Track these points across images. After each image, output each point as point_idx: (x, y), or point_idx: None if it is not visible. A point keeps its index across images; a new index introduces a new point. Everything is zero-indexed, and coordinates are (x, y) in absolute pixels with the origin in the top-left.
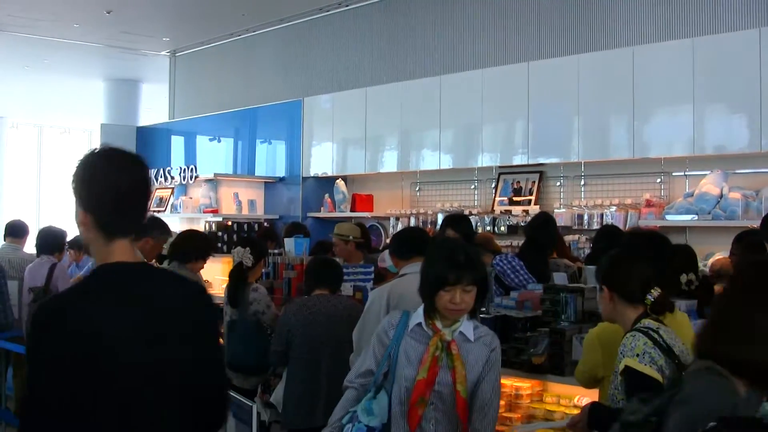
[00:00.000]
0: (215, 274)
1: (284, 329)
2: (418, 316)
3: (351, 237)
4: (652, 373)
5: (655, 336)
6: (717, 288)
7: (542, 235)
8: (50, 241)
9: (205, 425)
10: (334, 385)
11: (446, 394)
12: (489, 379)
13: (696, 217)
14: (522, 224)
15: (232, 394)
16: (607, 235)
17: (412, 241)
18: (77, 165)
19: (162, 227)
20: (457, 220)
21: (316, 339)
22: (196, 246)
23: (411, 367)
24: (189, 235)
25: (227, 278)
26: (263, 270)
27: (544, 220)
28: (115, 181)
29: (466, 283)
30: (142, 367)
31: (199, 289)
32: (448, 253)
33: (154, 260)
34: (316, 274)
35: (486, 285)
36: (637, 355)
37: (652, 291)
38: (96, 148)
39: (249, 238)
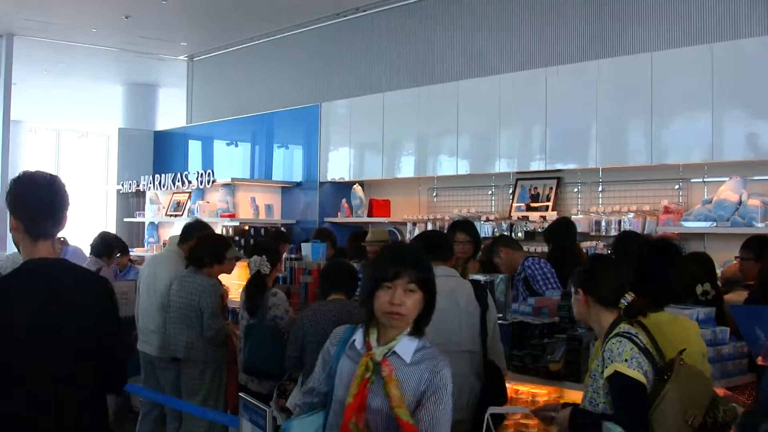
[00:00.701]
0: (231, 278)
1: (298, 334)
2: (360, 331)
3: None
4: (640, 378)
5: (638, 341)
6: (729, 296)
7: (564, 240)
8: (101, 245)
9: (103, 388)
10: None
11: (384, 420)
12: (428, 409)
13: (714, 224)
14: (539, 230)
15: (247, 398)
16: (626, 240)
17: (430, 245)
18: (10, 184)
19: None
20: (465, 224)
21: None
22: (209, 251)
23: (343, 389)
24: (201, 240)
25: (245, 286)
26: (279, 274)
27: (565, 225)
28: (38, 196)
29: (407, 280)
30: (42, 338)
31: (102, 282)
32: (394, 251)
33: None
34: (332, 279)
35: (433, 295)
36: (626, 360)
37: (626, 295)
38: (23, 172)
39: (263, 244)
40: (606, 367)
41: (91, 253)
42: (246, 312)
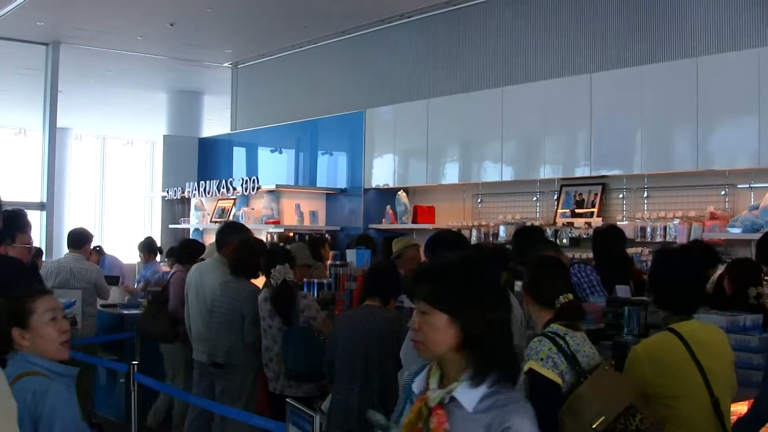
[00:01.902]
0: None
1: (332, 339)
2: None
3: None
4: (553, 377)
5: (560, 342)
6: None
7: (611, 247)
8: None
9: None
10: (365, 402)
11: None
12: None
13: (761, 230)
14: (584, 237)
15: (295, 404)
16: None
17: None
18: None
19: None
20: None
21: (354, 352)
22: (248, 262)
23: None
24: (237, 251)
25: (273, 296)
26: (324, 281)
27: (612, 232)
28: None
29: (418, 299)
30: None
31: None
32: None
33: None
34: (366, 284)
35: (481, 321)
36: (541, 359)
37: (561, 297)
38: None
39: (280, 252)
40: (525, 363)
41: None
42: (280, 320)
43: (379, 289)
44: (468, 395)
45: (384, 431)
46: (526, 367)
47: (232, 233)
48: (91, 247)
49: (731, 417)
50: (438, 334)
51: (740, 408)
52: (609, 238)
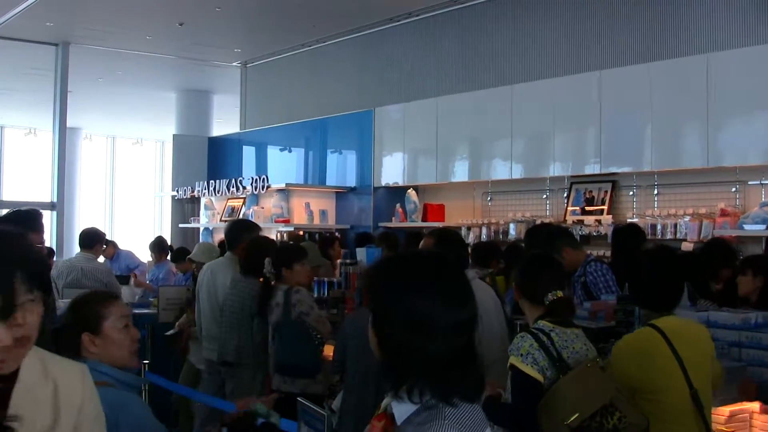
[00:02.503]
0: None
1: (341, 338)
2: None
3: None
4: (533, 373)
5: (544, 338)
6: None
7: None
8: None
9: None
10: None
11: None
12: None
13: None
14: (594, 234)
15: (304, 402)
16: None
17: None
18: None
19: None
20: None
21: (365, 350)
22: (256, 261)
23: None
24: (246, 250)
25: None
26: (334, 280)
27: (631, 230)
28: None
29: None
30: None
31: None
32: None
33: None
34: None
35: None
36: (521, 355)
37: (549, 295)
38: None
39: (293, 248)
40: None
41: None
42: (278, 310)
43: None
44: (399, 408)
45: (265, 419)
46: (509, 363)
47: (243, 231)
48: (106, 241)
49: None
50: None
51: (751, 406)
52: (628, 236)
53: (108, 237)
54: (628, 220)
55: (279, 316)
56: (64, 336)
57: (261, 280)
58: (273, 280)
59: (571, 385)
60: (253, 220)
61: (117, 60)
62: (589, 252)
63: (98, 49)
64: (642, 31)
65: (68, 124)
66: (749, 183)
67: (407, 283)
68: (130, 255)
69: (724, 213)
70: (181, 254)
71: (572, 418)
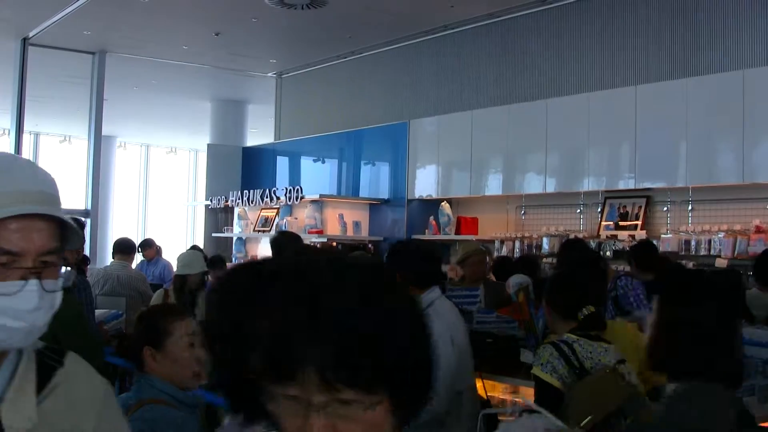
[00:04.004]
0: None
1: None
2: None
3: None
4: (551, 380)
5: (565, 348)
6: None
7: (646, 261)
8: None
9: None
10: None
11: None
12: None
13: None
14: (628, 249)
15: None
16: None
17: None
18: None
19: None
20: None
21: None
22: None
23: None
24: None
25: None
26: None
27: (647, 247)
28: None
29: None
30: None
31: None
32: None
33: None
34: None
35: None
36: (542, 364)
37: (584, 309)
38: None
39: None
40: None
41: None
42: None
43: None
44: None
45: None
46: (532, 374)
47: (289, 243)
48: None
49: None
50: None
51: None
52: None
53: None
54: (653, 236)
55: None
56: (129, 346)
57: None
58: None
59: (585, 390)
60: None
61: (152, 69)
62: (619, 267)
63: (134, 58)
64: (678, 46)
65: (103, 132)
66: None
67: None
68: (168, 266)
69: (758, 230)
70: (216, 262)
71: (585, 421)
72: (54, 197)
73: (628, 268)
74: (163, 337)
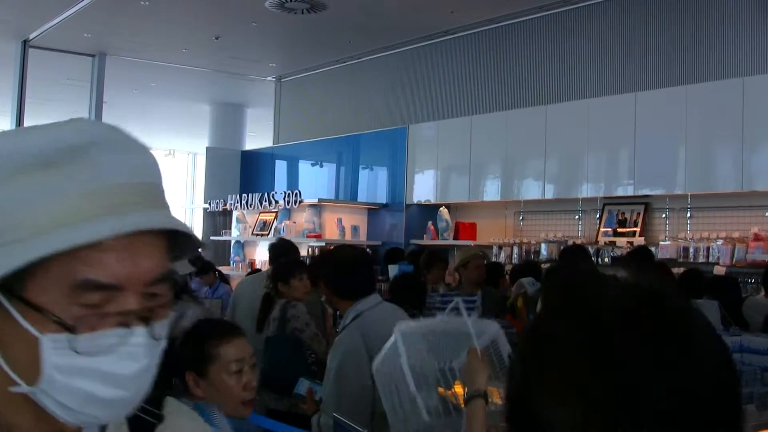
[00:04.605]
0: None
1: None
2: None
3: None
4: None
5: None
6: None
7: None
8: None
9: None
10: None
11: None
12: None
13: None
14: (624, 256)
15: (343, 420)
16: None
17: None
18: None
19: None
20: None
21: None
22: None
23: None
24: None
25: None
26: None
27: (643, 253)
28: None
29: None
30: None
31: None
32: None
33: None
34: (391, 295)
35: None
36: None
37: None
38: None
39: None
40: None
41: None
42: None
43: (401, 299)
44: None
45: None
46: None
47: (289, 250)
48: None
49: None
50: None
51: None
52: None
53: None
54: (652, 242)
55: (273, 331)
56: (174, 368)
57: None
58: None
59: None
60: (284, 234)
61: (152, 72)
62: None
63: (134, 61)
64: (677, 53)
65: None
66: None
67: None
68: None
69: (757, 237)
70: (206, 268)
71: None
72: (161, 188)
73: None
74: (207, 362)
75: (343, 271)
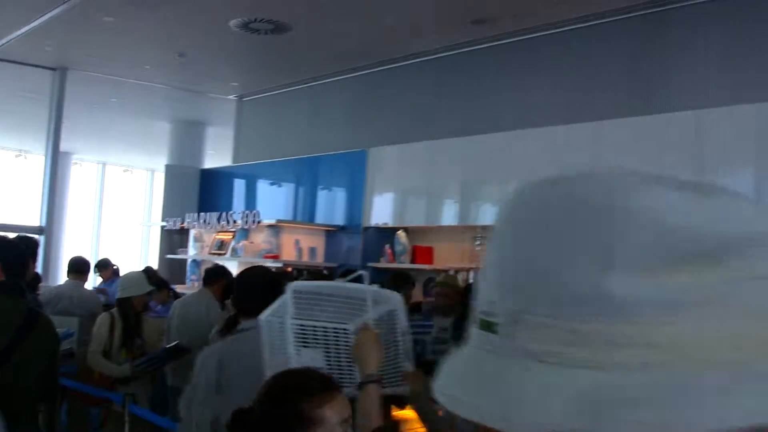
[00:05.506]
0: None
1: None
2: None
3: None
4: None
5: None
6: None
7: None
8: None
9: None
10: None
11: None
12: None
13: None
14: None
15: None
16: None
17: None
18: None
19: None
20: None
21: None
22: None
23: None
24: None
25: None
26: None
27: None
28: None
29: None
30: None
31: None
32: None
33: None
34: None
35: None
36: None
37: None
38: None
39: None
40: None
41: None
42: None
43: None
44: None
45: None
46: None
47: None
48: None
49: None
50: None
51: None
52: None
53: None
54: None
55: None
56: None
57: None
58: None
59: None
60: (242, 254)
61: (114, 87)
62: None
63: (96, 76)
64: (639, 84)
65: (60, 149)
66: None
67: None
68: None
69: None
70: (159, 285)
71: None
72: None
73: None
74: (314, 426)
75: (242, 290)
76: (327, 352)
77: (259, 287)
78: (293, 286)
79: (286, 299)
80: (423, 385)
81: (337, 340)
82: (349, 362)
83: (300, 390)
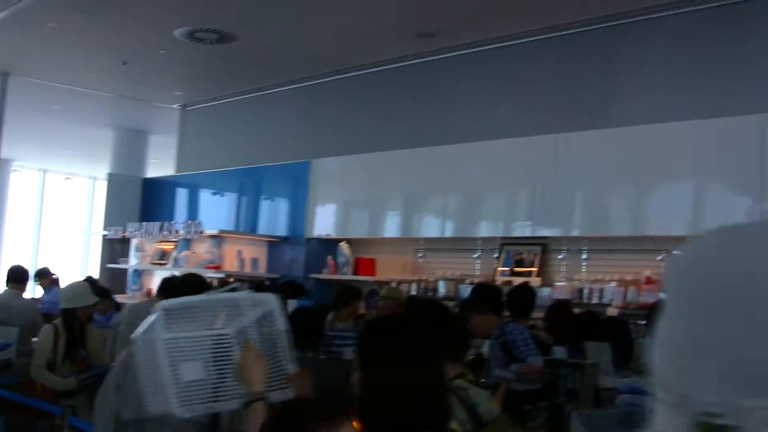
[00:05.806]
0: None
1: None
2: None
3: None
4: (456, 428)
5: (461, 394)
6: None
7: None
8: None
9: None
10: None
11: None
12: None
13: None
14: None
15: None
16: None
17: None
18: None
19: None
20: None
21: None
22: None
23: None
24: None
25: None
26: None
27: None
28: None
29: None
30: None
31: None
32: None
33: None
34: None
35: None
36: None
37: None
38: None
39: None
40: None
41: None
42: None
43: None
44: None
45: None
46: None
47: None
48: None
49: None
50: None
51: None
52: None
53: (34, 273)
54: (547, 283)
55: None
56: None
57: None
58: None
59: None
60: (184, 264)
61: (57, 94)
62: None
63: (40, 82)
64: (577, 99)
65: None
66: (674, 252)
67: None
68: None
69: (648, 281)
70: (101, 294)
71: None
72: None
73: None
74: None
75: (169, 294)
76: (210, 362)
77: (185, 292)
78: (162, 305)
79: (156, 319)
80: (309, 386)
81: (218, 346)
82: (233, 368)
83: (304, 417)
